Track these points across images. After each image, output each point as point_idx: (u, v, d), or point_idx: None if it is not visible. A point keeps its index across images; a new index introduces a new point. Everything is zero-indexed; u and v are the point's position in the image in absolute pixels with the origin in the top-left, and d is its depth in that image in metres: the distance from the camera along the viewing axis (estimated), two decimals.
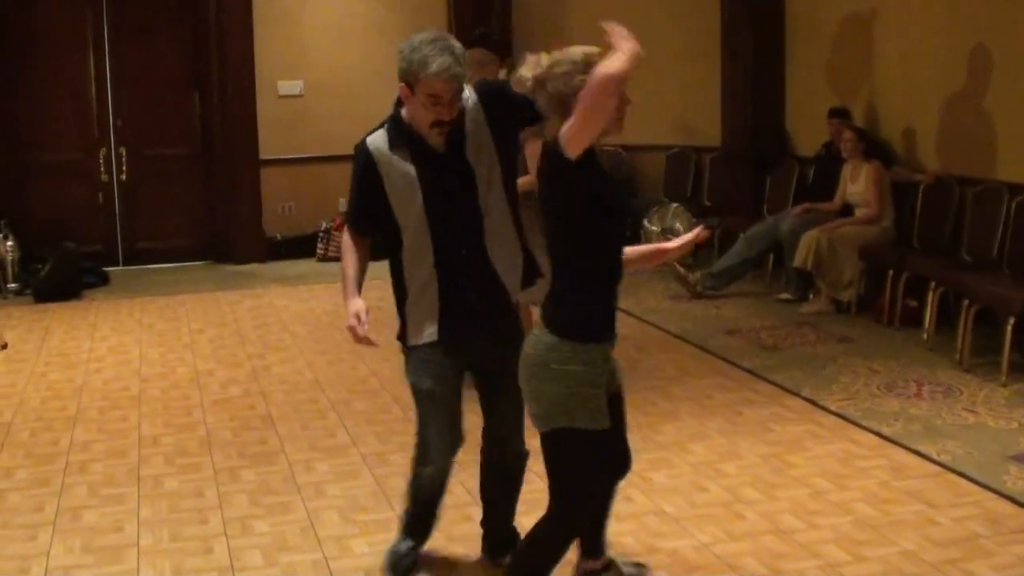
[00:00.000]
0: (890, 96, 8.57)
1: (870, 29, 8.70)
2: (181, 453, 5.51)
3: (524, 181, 4.35)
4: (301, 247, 11.00)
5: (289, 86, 10.96)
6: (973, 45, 7.64)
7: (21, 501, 4.88)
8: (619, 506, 4.65)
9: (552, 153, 3.19)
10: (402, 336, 3.89)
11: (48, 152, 10.48)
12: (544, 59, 3.24)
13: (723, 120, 10.18)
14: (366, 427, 5.82)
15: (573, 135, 3.09)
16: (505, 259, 3.81)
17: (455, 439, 3.92)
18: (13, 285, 9.56)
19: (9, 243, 9.56)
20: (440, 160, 3.67)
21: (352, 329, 3.73)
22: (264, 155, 10.88)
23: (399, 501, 4.77)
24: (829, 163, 8.69)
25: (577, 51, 3.23)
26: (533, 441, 3.54)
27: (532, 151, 4.95)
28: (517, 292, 3.88)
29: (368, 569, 4.14)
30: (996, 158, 7.51)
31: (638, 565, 4.05)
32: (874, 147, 8.28)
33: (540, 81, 3.22)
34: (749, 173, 9.88)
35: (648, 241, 10.32)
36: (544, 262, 3.51)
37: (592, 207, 3.21)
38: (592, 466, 3.38)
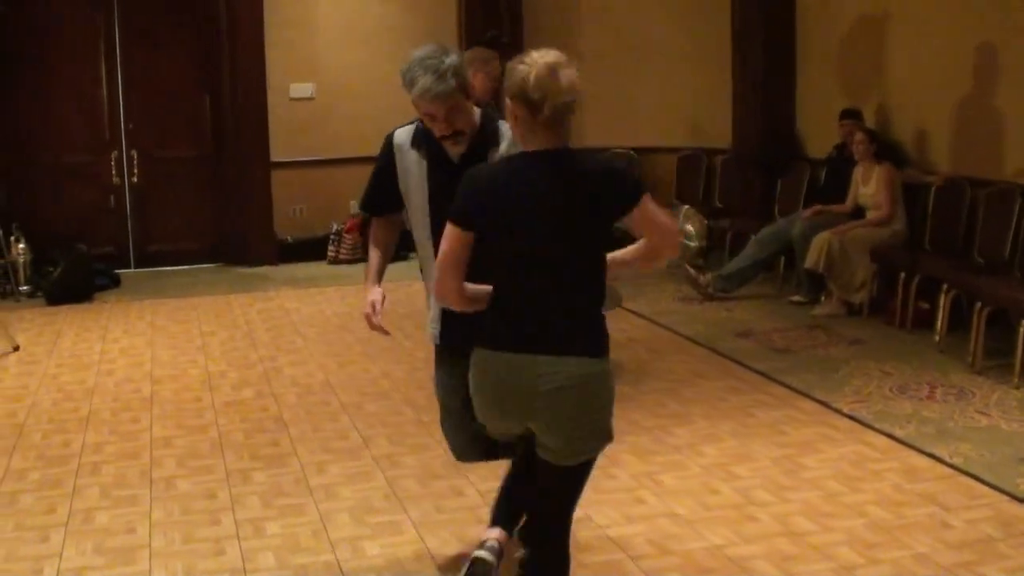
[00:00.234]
0: (902, 97, 8.55)
1: (881, 30, 8.69)
2: (193, 455, 5.51)
3: None
4: (312, 250, 11.00)
5: (301, 89, 10.97)
6: (984, 46, 7.63)
7: (33, 503, 4.89)
8: (631, 508, 4.67)
9: None
10: None
11: (60, 155, 10.50)
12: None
13: (734, 122, 10.16)
14: (378, 429, 5.82)
15: None
16: None
17: (467, 439, 3.94)
18: (25, 287, 9.58)
19: (21, 245, 9.59)
20: (452, 168, 3.69)
21: (367, 317, 3.88)
22: (275, 158, 10.89)
23: (411, 503, 4.79)
24: (841, 165, 8.68)
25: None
26: None
27: None
28: None
29: (380, 571, 4.14)
30: (1008, 159, 7.49)
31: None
32: (886, 149, 8.26)
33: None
34: (760, 175, 9.86)
35: None
36: None
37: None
38: None
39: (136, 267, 10.81)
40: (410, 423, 5.88)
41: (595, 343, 3.18)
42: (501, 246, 3.16)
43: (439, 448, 5.13)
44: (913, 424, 5.64)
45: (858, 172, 8.31)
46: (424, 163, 3.78)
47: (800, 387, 6.35)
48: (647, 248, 3.27)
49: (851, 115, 8.60)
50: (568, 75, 3.08)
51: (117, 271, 10.28)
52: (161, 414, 6.21)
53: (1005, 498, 4.67)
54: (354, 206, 10.88)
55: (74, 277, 9.44)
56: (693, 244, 10.04)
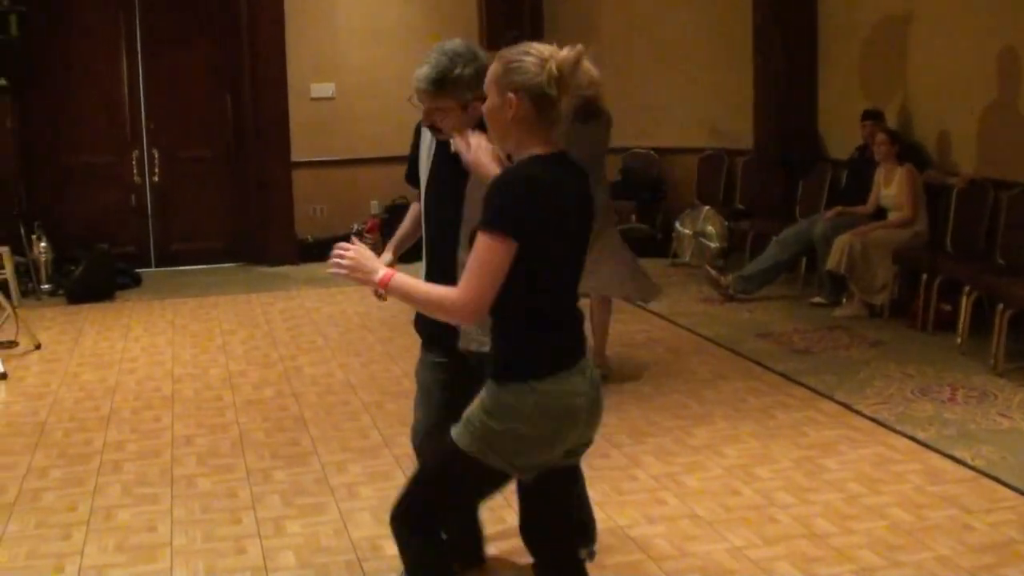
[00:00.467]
0: (923, 98, 8.51)
1: (903, 31, 8.65)
2: (214, 454, 5.53)
3: None
4: (332, 249, 10.99)
5: (321, 89, 10.99)
6: (1007, 48, 7.59)
7: (55, 500, 4.92)
8: (651, 509, 4.66)
9: None
10: None
11: (81, 154, 10.54)
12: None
13: (755, 123, 10.13)
14: (399, 428, 5.81)
15: None
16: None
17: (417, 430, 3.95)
18: (47, 286, 9.62)
19: (43, 244, 9.63)
20: (452, 157, 3.67)
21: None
22: (296, 157, 10.91)
23: None
24: (862, 166, 8.64)
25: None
26: None
27: None
28: None
29: (401, 570, 4.14)
30: None
31: None
32: (907, 150, 8.22)
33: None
34: (781, 176, 9.83)
35: (680, 245, 10.34)
36: None
37: None
38: None
39: (157, 266, 10.84)
40: None
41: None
42: (541, 255, 2.87)
43: None
44: (935, 426, 5.61)
45: (880, 173, 8.28)
46: (435, 146, 3.79)
47: (821, 389, 6.33)
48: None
49: (873, 116, 8.56)
50: (590, 69, 2.86)
51: (138, 270, 10.32)
52: (182, 413, 6.23)
53: None
54: (375, 206, 10.90)
55: (95, 276, 9.48)
56: (714, 245, 10.07)
